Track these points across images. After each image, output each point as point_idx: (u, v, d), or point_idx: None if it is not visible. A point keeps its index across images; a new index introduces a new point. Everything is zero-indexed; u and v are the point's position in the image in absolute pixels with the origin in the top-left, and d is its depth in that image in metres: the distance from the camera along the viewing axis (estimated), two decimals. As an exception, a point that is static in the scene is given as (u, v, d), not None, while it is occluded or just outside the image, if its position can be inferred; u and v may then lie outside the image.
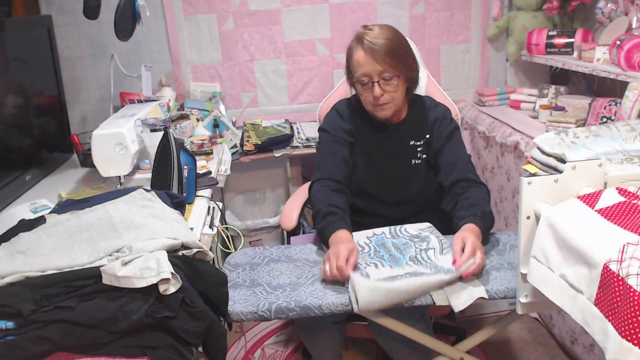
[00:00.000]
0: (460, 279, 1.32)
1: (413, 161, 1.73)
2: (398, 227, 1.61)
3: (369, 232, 1.60)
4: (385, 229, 1.60)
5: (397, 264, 1.40)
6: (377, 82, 1.59)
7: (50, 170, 2.01)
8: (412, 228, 1.60)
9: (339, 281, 1.35)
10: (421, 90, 2.12)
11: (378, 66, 1.58)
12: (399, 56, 1.60)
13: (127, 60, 2.50)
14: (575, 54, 2.21)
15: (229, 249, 1.67)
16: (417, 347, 1.56)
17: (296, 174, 2.61)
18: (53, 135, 2.13)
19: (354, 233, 1.61)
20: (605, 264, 0.87)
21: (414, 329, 1.45)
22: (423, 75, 2.15)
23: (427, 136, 1.73)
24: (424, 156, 1.73)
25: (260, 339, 2.26)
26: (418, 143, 1.73)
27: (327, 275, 1.35)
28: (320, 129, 1.81)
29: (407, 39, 1.99)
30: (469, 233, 1.42)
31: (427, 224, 1.62)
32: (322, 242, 1.54)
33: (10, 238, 1.20)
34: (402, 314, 1.45)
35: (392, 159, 1.73)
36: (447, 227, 1.60)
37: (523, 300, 1.19)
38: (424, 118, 1.74)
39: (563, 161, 1.12)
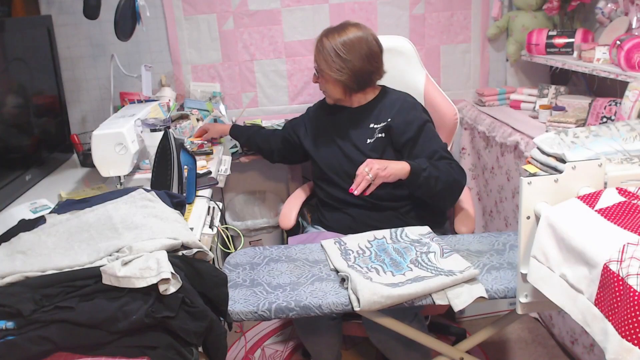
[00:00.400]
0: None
1: (368, 140, 1.87)
2: (399, 231, 1.61)
3: (369, 236, 1.60)
4: (386, 234, 1.61)
5: (398, 269, 1.40)
6: (315, 70, 1.90)
7: (50, 170, 2.01)
8: (413, 233, 1.60)
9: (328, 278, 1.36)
10: (419, 90, 2.12)
11: (314, 58, 1.88)
12: (321, 53, 1.84)
13: (127, 60, 2.50)
14: (575, 54, 2.21)
15: (229, 249, 1.67)
16: (413, 346, 1.56)
17: (296, 173, 2.61)
18: (53, 135, 2.13)
19: (354, 236, 1.62)
20: (605, 264, 0.87)
21: (412, 329, 1.45)
22: (422, 75, 2.15)
23: (389, 119, 1.86)
24: (381, 135, 1.86)
25: (260, 339, 2.26)
26: (377, 126, 1.87)
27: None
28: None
29: (409, 41, 2.16)
30: (375, 160, 1.67)
31: (427, 229, 1.63)
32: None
33: (10, 238, 1.20)
34: (395, 314, 1.45)
35: (347, 139, 1.91)
36: (424, 213, 1.80)
37: (523, 300, 1.19)
38: (387, 105, 1.90)
39: (563, 161, 1.12)
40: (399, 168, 1.68)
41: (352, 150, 1.88)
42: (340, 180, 1.89)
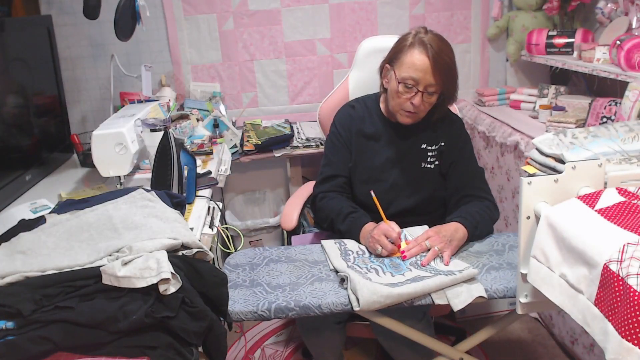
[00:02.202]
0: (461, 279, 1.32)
1: (423, 165, 1.71)
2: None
3: None
4: None
5: (397, 270, 1.40)
6: (422, 92, 1.56)
7: (50, 170, 2.01)
8: (412, 234, 1.60)
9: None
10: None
11: (431, 79, 1.54)
12: (450, 76, 1.59)
13: (127, 60, 2.50)
14: (575, 54, 2.21)
15: (229, 249, 1.67)
16: (418, 347, 1.56)
17: (296, 174, 2.61)
18: (53, 135, 2.13)
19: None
20: (605, 264, 0.87)
21: (414, 329, 1.45)
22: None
23: (442, 144, 1.70)
24: (437, 162, 1.70)
25: (260, 339, 2.26)
26: (430, 148, 1.71)
27: (386, 251, 1.44)
28: (332, 124, 1.81)
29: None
30: (433, 231, 1.48)
31: (426, 228, 1.62)
32: (350, 236, 1.58)
33: (10, 238, 1.20)
34: (404, 314, 1.45)
35: (401, 157, 1.71)
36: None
37: (523, 300, 1.19)
38: (438, 124, 1.71)
39: (562, 162, 1.12)
40: (460, 236, 1.48)
41: (401, 174, 1.70)
42: (371, 192, 1.61)
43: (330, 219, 1.65)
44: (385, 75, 1.68)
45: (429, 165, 1.70)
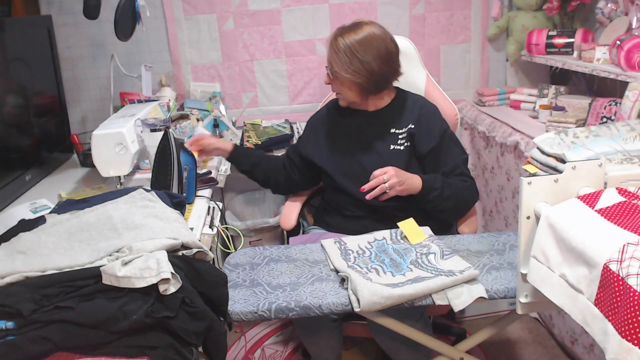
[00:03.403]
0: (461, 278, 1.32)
1: (392, 147, 1.78)
2: (399, 232, 1.61)
3: (369, 237, 1.60)
4: (386, 235, 1.60)
5: (398, 270, 1.40)
6: (328, 70, 1.75)
7: (50, 170, 2.01)
8: (411, 233, 1.60)
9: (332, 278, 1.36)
10: (420, 90, 2.12)
11: (329, 57, 1.73)
12: (335, 53, 1.70)
13: (127, 60, 2.50)
14: (575, 54, 2.21)
15: (229, 249, 1.67)
16: (417, 347, 1.56)
17: (296, 174, 2.61)
18: (53, 135, 2.13)
19: (354, 237, 1.62)
20: (605, 264, 0.87)
21: (414, 329, 1.45)
22: (422, 75, 2.15)
23: (412, 126, 1.78)
24: (407, 143, 1.77)
25: (260, 339, 2.26)
26: (399, 131, 1.79)
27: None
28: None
29: (409, 41, 2.11)
30: (393, 169, 1.62)
31: (428, 231, 1.62)
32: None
33: (10, 238, 1.20)
34: (401, 314, 1.45)
35: (366, 145, 1.81)
36: (433, 223, 1.68)
37: (523, 300, 1.19)
38: (407, 109, 1.81)
39: (563, 161, 1.12)
40: (414, 185, 1.64)
41: (373, 157, 1.78)
42: (354, 189, 1.75)
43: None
44: None
45: (398, 147, 1.78)
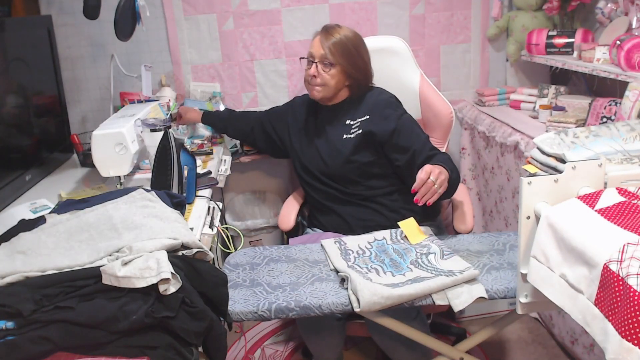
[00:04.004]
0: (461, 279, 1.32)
1: (345, 136, 1.84)
2: (399, 232, 1.61)
3: (369, 237, 1.60)
4: (386, 234, 1.60)
5: (398, 270, 1.40)
6: (316, 62, 1.81)
7: (50, 170, 2.01)
8: (409, 232, 1.60)
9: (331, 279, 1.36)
10: (415, 89, 2.12)
11: (322, 50, 1.80)
12: (346, 51, 1.80)
13: (127, 60, 2.50)
14: (575, 54, 2.21)
15: (229, 249, 1.67)
16: (415, 346, 1.56)
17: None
18: (53, 135, 2.13)
19: (354, 237, 1.62)
20: (605, 264, 0.87)
21: (413, 329, 1.45)
22: (416, 75, 2.15)
23: (367, 117, 1.84)
24: (359, 132, 1.83)
25: (260, 339, 2.26)
26: (353, 122, 1.86)
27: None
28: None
29: (403, 41, 2.17)
30: (437, 167, 1.58)
31: (428, 231, 1.62)
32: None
33: (10, 238, 1.20)
34: (397, 313, 1.45)
35: (323, 136, 1.90)
36: (416, 207, 1.69)
37: (523, 300, 1.19)
38: (364, 101, 1.88)
39: (563, 161, 1.12)
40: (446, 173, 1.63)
41: (325, 147, 1.88)
42: (317, 182, 1.90)
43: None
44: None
45: (349, 136, 1.85)
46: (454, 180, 1.66)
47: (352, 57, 1.81)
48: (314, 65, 1.82)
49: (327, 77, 1.81)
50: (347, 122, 1.86)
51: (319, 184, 1.90)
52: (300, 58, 1.94)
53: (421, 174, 1.52)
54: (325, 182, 1.88)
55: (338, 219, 1.86)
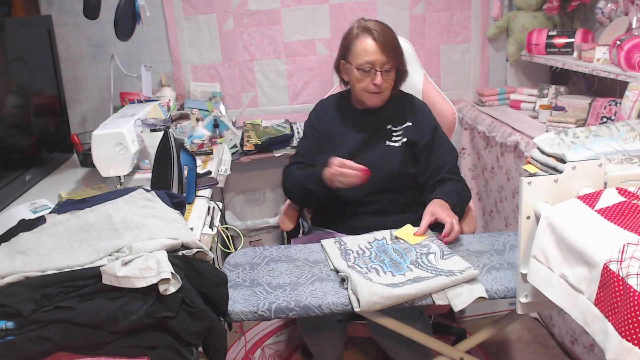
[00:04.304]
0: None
1: (387, 143, 1.80)
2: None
3: (369, 237, 1.60)
4: (386, 234, 1.60)
5: (398, 270, 1.40)
6: (380, 71, 1.69)
7: (50, 170, 2.01)
8: (403, 233, 1.60)
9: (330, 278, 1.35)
10: (418, 90, 2.12)
11: (384, 57, 1.68)
12: (398, 51, 1.73)
13: (127, 60, 2.50)
14: (575, 54, 2.21)
15: (229, 249, 1.67)
16: (417, 346, 1.56)
17: (296, 174, 2.61)
18: (53, 135, 2.13)
19: (354, 237, 1.62)
20: (605, 264, 0.87)
21: (413, 329, 1.45)
22: (420, 75, 2.15)
23: (409, 124, 1.80)
24: (404, 139, 1.79)
25: (260, 339, 2.26)
26: (394, 128, 1.80)
27: (345, 176, 1.57)
28: (308, 119, 1.96)
29: (407, 41, 2.13)
30: (436, 206, 1.60)
31: (429, 233, 1.62)
32: (320, 188, 1.68)
33: (10, 238, 1.20)
34: (400, 313, 1.45)
35: (361, 141, 1.80)
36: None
37: (523, 300, 1.19)
38: (402, 105, 1.83)
39: (563, 161, 1.12)
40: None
41: (366, 154, 1.76)
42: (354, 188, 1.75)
43: (298, 182, 1.77)
44: (343, 70, 1.81)
45: (393, 144, 1.79)
46: (459, 209, 1.70)
47: (402, 56, 1.75)
48: (378, 74, 1.69)
49: (388, 83, 1.73)
50: (388, 127, 1.80)
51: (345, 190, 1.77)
52: (358, 70, 1.71)
53: (457, 226, 1.56)
54: (355, 189, 1.73)
55: (358, 226, 1.76)
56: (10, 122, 1.80)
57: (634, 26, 1.97)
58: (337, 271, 1.41)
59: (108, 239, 1.16)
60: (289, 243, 1.90)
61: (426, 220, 1.58)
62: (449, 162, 1.79)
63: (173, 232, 1.19)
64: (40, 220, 1.29)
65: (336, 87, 2.17)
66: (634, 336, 0.79)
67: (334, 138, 1.84)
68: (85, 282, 1.04)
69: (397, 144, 1.79)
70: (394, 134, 1.80)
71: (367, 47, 1.69)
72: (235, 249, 1.61)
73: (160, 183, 1.54)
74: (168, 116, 1.98)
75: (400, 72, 1.77)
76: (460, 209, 1.71)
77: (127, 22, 2.05)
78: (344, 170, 1.58)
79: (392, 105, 1.82)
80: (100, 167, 1.62)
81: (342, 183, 1.60)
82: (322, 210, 1.94)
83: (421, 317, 1.62)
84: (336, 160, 1.60)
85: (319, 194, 1.71)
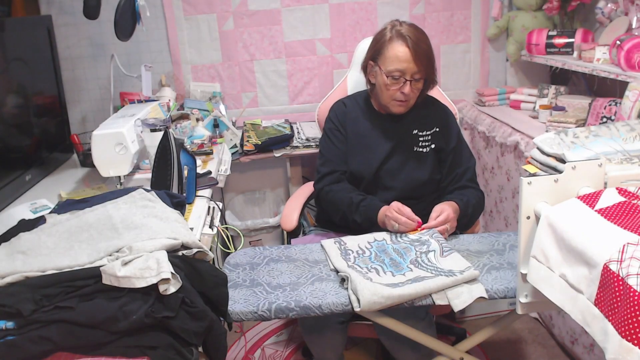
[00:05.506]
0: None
1: (415, 148, 1.77)
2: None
3: (369, 237, 1.60)
4: (386, 235, 1.60)
5: (398, 269, 1.40)
6: (409, 80, 1.65)
7: (50, 170, 2.01)
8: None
9: (334, 280, 1.35)
10: (420, 91, 2.12)
11: (415, 66, 1.63)
12: (431, 61, 1.68)
13: (127, 60, 2.50)
14: (575, 54, 2.21)
15: (229, 249, 1.67)
16: (420, 347, 1.56)
17: (296, 174, 2.61)
18: (53, 135, 2.13)
19: (354, 237, 1.62)
20: (605, 264, 0.87)
21: (415, 329, 1.45)
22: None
23: (437, 129, 1.78)
24: (432, 146, 1.76)
25: (260, 339, 2.26)
26: (421, 133, 1.77)
27: (400, 224, 1.55)
28: (326, 120, 1.89)
29: None
30: (447, 206, 1.59)
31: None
32: (368, 224, 1.64)
33: (10, 238, 1.20)
34: (406, 314, 1.45)
35: (395, 147, 1.77)
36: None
37: (523, 300, 1.19)
38: (428, 110, 1.80)
39: (563, 161, 1.12)
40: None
41: (395, 160, 1.75)
42: (379, 192, 1.76)
43: (342, 211, 1.71)
44: (371, 71, 1.75)
45: (421, 149, 1.77)
46: (469, 220, 1.70)
47: (434, 66, 1.69)
48: (407, 83, 1.65)
49: (415, 93, 1.70)
50: (415, 131, 1.76)
51: (367, 189, 1.77)
52: (387, 76, 1.65)
53: (440, 219, 1.56)
54: (373, 191, 1.76)
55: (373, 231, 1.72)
56: (10, 122, 1.79)
57: (634, 26, 1.97)
58: (337, 271, 1.41)
59: (108, 239, 1.16)
60: (289, 243, 1.90)
61: (435, 214, 1.58)
62: (470, 169, 1.78)
63: (173, 232, 1.19)
64: (40, 220, 1.29)
65: (336, 87, 2.17)
66: (634, 336, 0.79)
67: (361, 141, 1.79)
68: (85, 282, 1.04)
69: (425, 150, 1.76)
70: (421, 139, 1.77)
71: (400, 54, 1.63)
72: (235, 249, 1.61)
73: (160, 183, 1.54)
74: (168, 116, 1.98)
75: (428, 81, 1.72)
76: (470, 219, 1.71)
77: (127, 22, 2.05)
78: (401, 218, 1.55)
79: (416, 109, 1.78)
80: (100, 167, 1.62)
81: (393, 228, 1.57)
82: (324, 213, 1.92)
83: (427, 317, 1.62)
84: (395, 205, 1.58)
85: (364, 226, 1.66)
